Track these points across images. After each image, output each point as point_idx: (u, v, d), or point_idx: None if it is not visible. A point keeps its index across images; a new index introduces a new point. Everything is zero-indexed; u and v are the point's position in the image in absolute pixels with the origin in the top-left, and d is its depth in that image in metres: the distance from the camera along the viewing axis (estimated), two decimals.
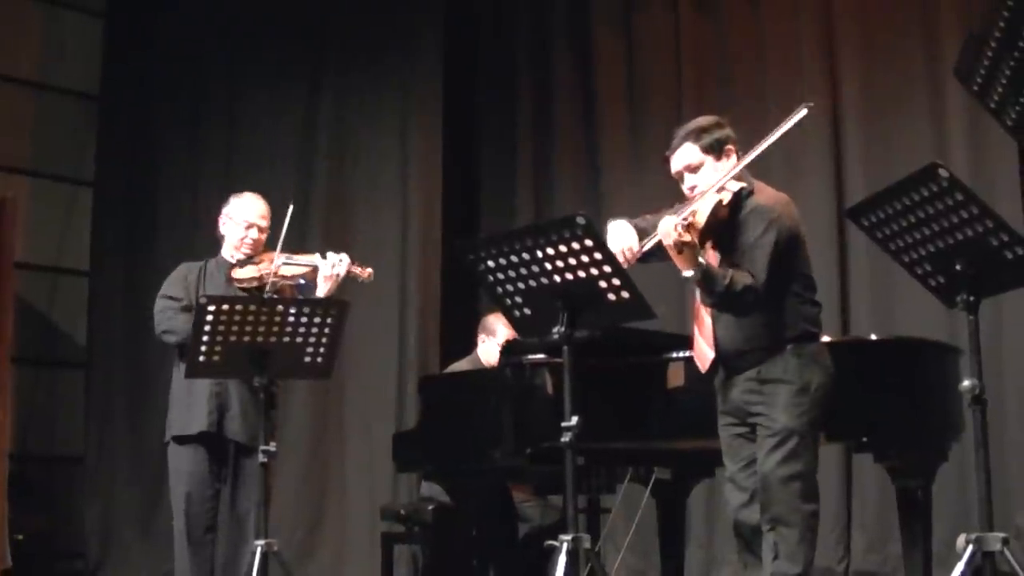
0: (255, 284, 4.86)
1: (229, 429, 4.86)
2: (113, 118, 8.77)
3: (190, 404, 4.87)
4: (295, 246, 5.11)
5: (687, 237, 3.68)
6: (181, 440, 4.90)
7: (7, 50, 8.45)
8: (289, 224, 4.81)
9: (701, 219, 3.77)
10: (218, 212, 5.18)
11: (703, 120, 4.02)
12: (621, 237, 3.88)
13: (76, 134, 8.82)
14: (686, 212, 3.78)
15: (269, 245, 5.00)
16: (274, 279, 4.80)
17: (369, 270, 4.93)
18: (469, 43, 8.23)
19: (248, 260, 4.98)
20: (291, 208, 4.85)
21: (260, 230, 5.02)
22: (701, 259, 3.72)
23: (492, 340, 5.84)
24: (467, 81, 8.17)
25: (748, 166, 3.94)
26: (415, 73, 7.95)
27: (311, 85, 8.29)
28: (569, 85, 7.78)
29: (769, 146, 3.85)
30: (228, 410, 4.86)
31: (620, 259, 3.71)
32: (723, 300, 3.80)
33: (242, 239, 5.01)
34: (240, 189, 5.28)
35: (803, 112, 3.76)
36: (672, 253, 3.72)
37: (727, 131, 3.97)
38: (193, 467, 4.87)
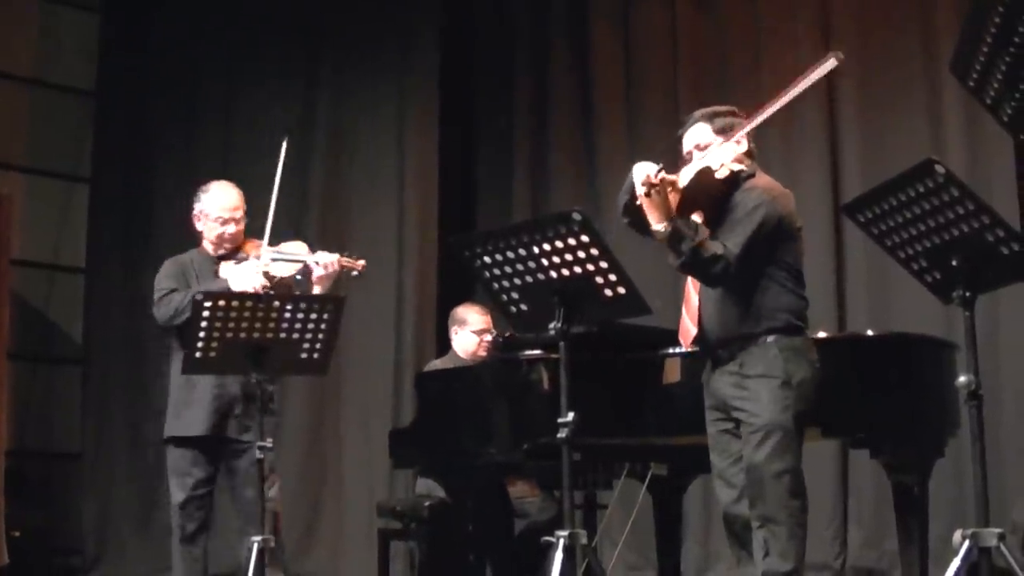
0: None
1: (230, 430, 4.81)
2: (110, 114, 8.75)
3: (190, 404, 4.80)
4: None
5: (656, 180, 3.65)
6: (179, 442, 4.85)
7: (3, 46, 8.43)
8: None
9: (684, 179, 3.75)
10: None
11: (718, 106, 4.10)
12: (641, 168, 3.76)
13: (72, 131, 8.80)
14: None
15: (257, 234, 4.94)
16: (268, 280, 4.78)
17: (362, 261, 4.87)
18: (466, 40, 8.22)
19: (233, 253, 4.92)
20: (285, 143, 4.81)
21: (236, 222, 4.94)
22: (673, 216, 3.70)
23: (465, 329, 5.97)
24: (464, 78, 8.16)
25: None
26: (412, 70, 7.94)
27: (307, 82, 8.28)
28: (566, 83, 7.77)
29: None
30: (231, 412, 4.79)
31: (643, 189, 3.66)
32: (690, 262, 3.76)
33: (220, 236, 4.93)
34: (237, 186, 5.16)
35: (832, 62, 3.71)
36: (644, 202, 3.69)
37: (739, 119, 4.01)
38: (191, 470, 4.82)
